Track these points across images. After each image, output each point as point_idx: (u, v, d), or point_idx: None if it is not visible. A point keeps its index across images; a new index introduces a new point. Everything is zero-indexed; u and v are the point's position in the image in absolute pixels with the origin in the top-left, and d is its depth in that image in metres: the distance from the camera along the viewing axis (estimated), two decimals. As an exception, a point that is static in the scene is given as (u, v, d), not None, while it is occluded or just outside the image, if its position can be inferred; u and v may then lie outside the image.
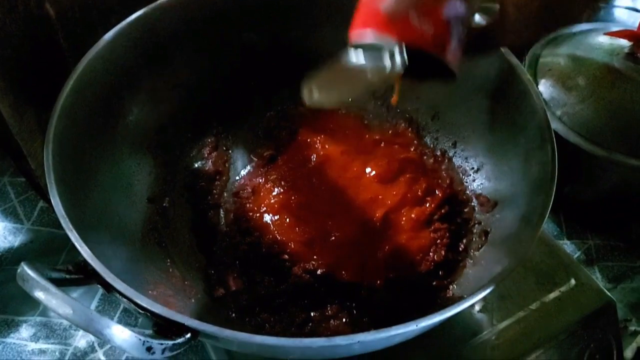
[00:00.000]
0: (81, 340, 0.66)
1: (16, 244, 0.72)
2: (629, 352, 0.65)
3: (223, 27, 0.65)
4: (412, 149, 0.67)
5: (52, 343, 0.65)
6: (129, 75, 0.58)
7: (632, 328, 0.70)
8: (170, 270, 0.55)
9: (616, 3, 0.87)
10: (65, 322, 0.67)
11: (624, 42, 0.74)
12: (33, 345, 0.65)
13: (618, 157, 0.68)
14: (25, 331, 0.66)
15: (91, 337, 0.66)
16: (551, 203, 0.47)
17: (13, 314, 0.67)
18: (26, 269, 0.36)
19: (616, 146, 0.69)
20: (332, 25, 0.68)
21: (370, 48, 0.45)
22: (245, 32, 0.67)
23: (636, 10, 0.82)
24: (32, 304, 0.68)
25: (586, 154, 0.69)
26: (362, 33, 0.45)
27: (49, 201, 0.73)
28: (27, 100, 0.59)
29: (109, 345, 0.65)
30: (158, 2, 0.60)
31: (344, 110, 0.72)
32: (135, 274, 0.50)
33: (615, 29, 0.77)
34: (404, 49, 0.44)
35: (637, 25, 0.76)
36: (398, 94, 0.56)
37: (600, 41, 0.76)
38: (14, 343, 0.65)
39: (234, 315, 0.55)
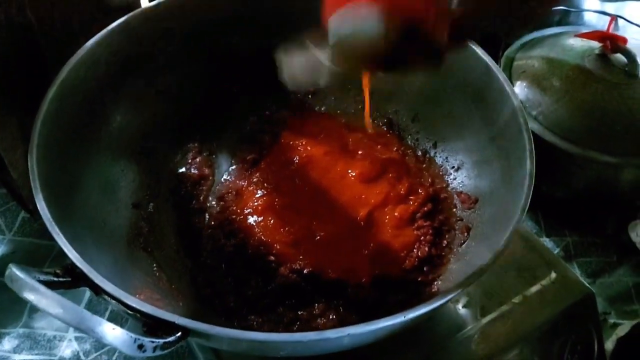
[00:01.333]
0: (66, 350, 0.65)
1: (-2, 255, 0.71)
2: (609, 344, 0.67)
3: (205, 34, 0.65)
4: (394, 149, 0.68)
5: (37, 354, 0.65)
6: (111, 82, 0.59)
7: (612, 320, 0.71)
8: (157, 274, 0.55)
9: (585, 7, 0.89)
10: (49, 333, 0.66)
11: (595, 44, 0.76)
12: (17, 357, 0.64)
13: (592, 154, 0.70)
14: (8, 343, 0.65)
15: (76, 347, 0.65)
16: (530, 197, 0.48)
17: (-5, 326, 0.66)
18: (15, 270, 0.36)
19: (590, 144, 0.71)
20: (314, 28, 0.69)
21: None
22: (227, 39, 0.67)
23: (605, 13, 0.84)
24: (15, 316, 0.67)
25: (562, 152, 0.71)
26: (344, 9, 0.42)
27: (30, 211, 0.73)
28: (9, 110, 0.59)
29: (94, 355, 0.65)
30: (139, 10, 0.60)
31: (326, 112, 0.73)
32: (122, 279, 0.50)
33: (585, 31, 0.79)
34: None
35: (606, 27, 0.79)
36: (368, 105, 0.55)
37: (571, 43, 0.79)
38: (-3, 355, 0.64)
39: (222, 317, 0.55)
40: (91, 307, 0.68)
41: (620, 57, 0.74)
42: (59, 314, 0.34)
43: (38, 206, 0.44)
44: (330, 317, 0.54)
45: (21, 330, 0.66)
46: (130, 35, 0.59)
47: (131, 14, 0.59)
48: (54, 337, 0.66)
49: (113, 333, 0.35)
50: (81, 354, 0.65)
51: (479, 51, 0.60)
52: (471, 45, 0.60)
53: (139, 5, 0.66)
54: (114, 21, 0.58)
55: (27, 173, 0.46)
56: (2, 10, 0.52)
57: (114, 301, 0.40)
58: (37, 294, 0.35)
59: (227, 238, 0.61)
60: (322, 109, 0.73)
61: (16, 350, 0.65)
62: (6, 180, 0.71)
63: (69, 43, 0.61)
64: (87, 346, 0.65)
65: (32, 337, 0.66)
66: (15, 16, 0.54)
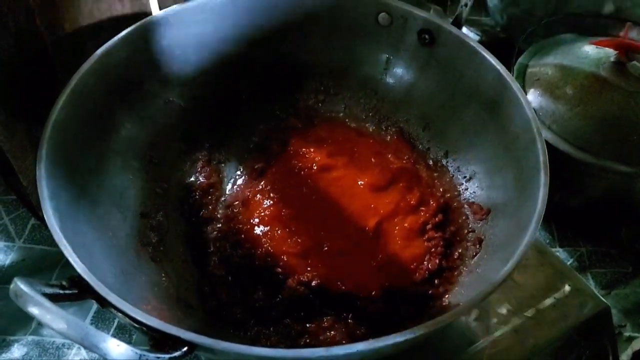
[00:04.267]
0: (75, 358, 0.65)
1: (7, 262, 0.71)
2: (624, 358, 0.65)
3: (213, 42, 0.65)
4: (405, 158, 0.68)
5: (45, 362, 0.64)
6: (121, 91, 0.59)
7: (627, 334, 0.70)
8: (165, 284, 0.54)
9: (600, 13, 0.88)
10: (58, 341, 0.66)
11: (610, 51, 0.75)
12: (25, 365, 0.64)
13: (607, 163, 0.69)
14: (17, 351, 0.65)
15: (85, 355, 0.65)
16: (544, 209, 0.47)
17: (4, 334, 0.66)
18: (19, 284, 0.35)
19: (605, 153, 0.69)
20: (321, 36, 0.69)
21: None
22: (235, 47, 0.67)
23: (621, 19, 0.83)
24: (24, 323, 0.67)
25: (576, 161, 0.70)
26: None
27: (40, 218, 0.72)
28: (18, 117, 0.59)
29: (103, 363, 0.64)
30: (148, 18, 0.60)
31: (336, 119, 0.72)
32: (129, 289, 0.49)
33: (600, 38, 0.78)
34: None
35: (622, 34, 0.78)
36: None
37: (586, 50, 0.78)
38: (6, 363, 0.64)
39: (229, 328, 0.54)
40: (99, 316, 0.68)
41: (636, 64, 0.72)
42: (63, 330, 0.34)
43: (45, 215, 0.44)
44: (340, 330, 0.54)
45: (30, 338, 0.66)
46: (140, 43, 0.59)
47: (141, 22, 0.59)
48: (63, 344, 0.66)
49: (117, 350, 0.34)
50: (89, 363, 0.65)
51: (492, 59, 0.59)
52: (483, 52, 0.60)
53: (149, 13, 0.66)
54: (124, 29, 0.58)
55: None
56: (10, 18, 0.52)
57: (120, 314, 0.40)
58: (41, 309, 0.34)
59: (234, 248, 0.60)
60: (332, 116, 0.72)
61: (25, 357, 0.64)
62: (16, 187, 0.71)
63: (78, 51, 0.61)
64: (96, 355, 0.65)
65: (41, 344, 0.66)
66: (24, 24, 0.54)
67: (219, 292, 0.57)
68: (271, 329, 0.54)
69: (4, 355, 0.64)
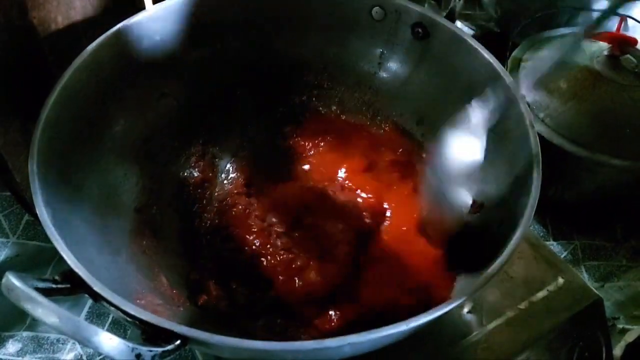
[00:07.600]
0: (69, 353, 0.65)
1: (1, 258, 0.71)
2: (617, 350, 0.66)
3: (208, 37, 0.65)
4: (399, 152, 0.68)
5: (40, 357, 0.65)
6: (114, 86, 0.58)
7: (620, 326, 0.70)
8: (158, 279, 0.54)
9: (595, 7, 0.88)
10: (53, 336, 0.66)
11: (604, 45, 0.75)
12: (20, 360, 0.64)
13: (601, 157, 0.69)
14: (12, 346, 0.65)
15: (79, 350, 0.65)
16: (536, 203, 0.48)
17: (-1, 329, 0.66)
18: (11, 279, 0.35)
19: (599, 147, 0.69)
20: (315, 30, 0.69)
21: None
22: (231, 43, 0.67)
23: (614, 13, 0.83)
24: (19, 319, 0.67)
25: (570, 155, 0.70)
26: None
27: (34, 215, 0.72)
28: (11, 113, 0.59)
29: (98, 358, 0.65)
30: (143, 12, 0.60)
31: (330, 113, 0.72)
32: (123, 284, 0.49)
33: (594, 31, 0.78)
34: None
35: (615, 27, 0.78)
36: None
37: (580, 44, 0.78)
38: (1, 359, 0.64)
39: (222, 322, 0.54)
40: (94, 311, 0.68)
41: (630, 58, 0.73)
42: (55, 323, 0.34)
43: (37, 211, 0.44)
44: (331, 323, 0.54)
45: (25, 334, 0.66)
46: (134, 37, 0.59)
47: (135, 16, 0.59)
48: (58, 340, 0.66)
49: (110, 343, 0.34)
50: (84, 358, 0.65)
51: (485, 53, 0.59)
52: (477, 46, 0.60)
53: (143, 7, 0.66)
54: (117, 23, 0.58)
55: (30, 177, 0.46)
56: (2, 13, 0.52)
57: (112, 308, 0.40)
58: (33, 303, 0.34)
59: (224, 242, 0.60)
60: (326, 110, 0.72)
61: (20, 353, 0.65)
62: (10, 183, 0.71)
63: (72, 46, 0.61)
64: (90, 350, 0.65)
65: (35, 340, 0.66)
66: (16, 19, 0.54)
67: (208, 286, 0.57)
68: (259, 322, 0.54)
69: (-1, 350, 0.64)
